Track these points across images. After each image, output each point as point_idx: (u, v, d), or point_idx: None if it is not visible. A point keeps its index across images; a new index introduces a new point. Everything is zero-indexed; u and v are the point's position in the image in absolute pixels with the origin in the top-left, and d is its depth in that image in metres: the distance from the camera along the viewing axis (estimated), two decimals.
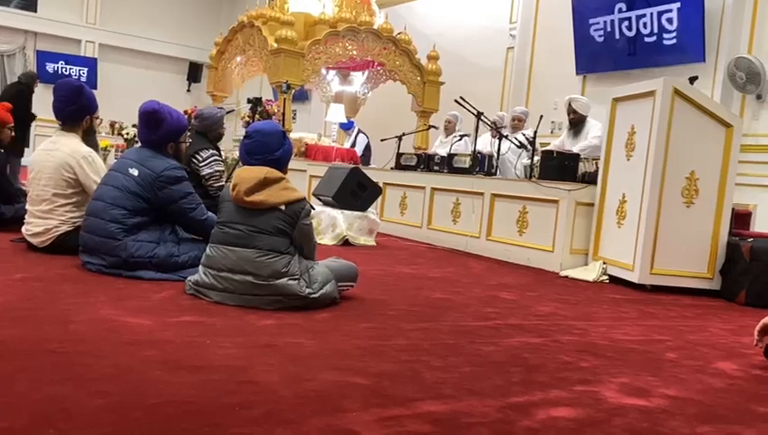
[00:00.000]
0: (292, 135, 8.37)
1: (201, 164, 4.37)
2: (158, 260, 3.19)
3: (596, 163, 5.10)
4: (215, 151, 4.47)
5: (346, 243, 5.52)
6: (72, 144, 3.70)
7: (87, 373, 1.79)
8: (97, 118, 4.13)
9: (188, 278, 2.96)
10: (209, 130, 4.55)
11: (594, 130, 5.93)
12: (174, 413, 1.57)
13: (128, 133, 12.04)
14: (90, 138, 3.89)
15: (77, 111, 3.76)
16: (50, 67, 14.22)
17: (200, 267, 2.91)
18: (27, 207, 3.76)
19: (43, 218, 3.62)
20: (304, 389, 1.82)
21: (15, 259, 3.46)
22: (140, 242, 3.19)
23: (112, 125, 13.14)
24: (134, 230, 3.20)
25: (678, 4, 7.06)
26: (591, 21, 8.05)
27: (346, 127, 9.53)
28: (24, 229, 3.73)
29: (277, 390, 1.79)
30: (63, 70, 14.29)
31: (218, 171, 4.41)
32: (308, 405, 1.70)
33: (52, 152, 3.68)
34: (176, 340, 2.21)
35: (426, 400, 1.81)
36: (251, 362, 2.02)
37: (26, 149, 7.63)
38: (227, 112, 8.91)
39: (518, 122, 7.13)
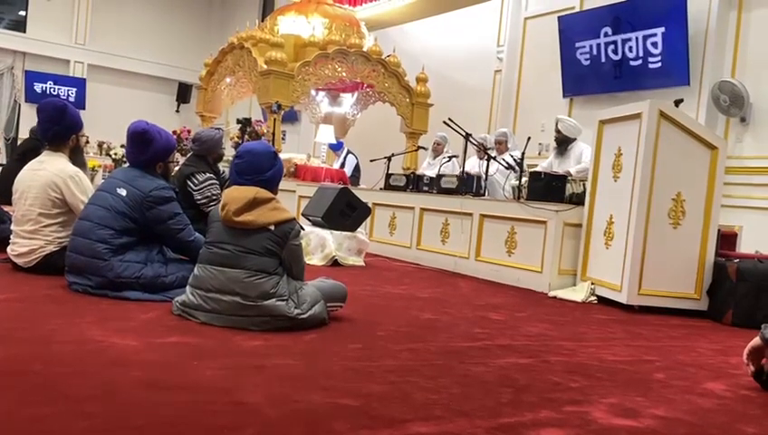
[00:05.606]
0: (282, 156, 8.38)
1: (195, 188, 4.39)
2: (145, 281, 3.16)
3: (583, 184, 5.14)
4: (211, 175, 4.47)
5: (335, 263, 5.51)
6: (58, 164, 3.67)
7: (72, 394, 1.77)
8: (83, 136, 4.11)
9: (176, 299, 2.93)
10: (209, 153, 4.56)
11: (587, 152, 5.99)
12: None
13: (116, 153, 12.02)
14: (77, 157, 3.86)
15: (62, 130, 3.73)
16: (38, 87, 14.20)
17: (188, 288, 2.88)
18: (12, 227, 3.72)
19: (29, 238, 3.59)
20: (292, 410, 1.80)
21: (0, 280, 3.42)
22: (127, 262, 3.16)
23: (100, 145, 13.11)
24: (121, 250, 3.18)
25: (663, 29, 7.18)
26: (578, 44, 8.16)
27: (335, 148, 9.56)
28: (9, 250, 3.68)
29: (265, 411, 1.77)
30: (52, 90, 14.26)
31: (212, 195, 4.40)
32: (296, 426, 1.68)
33: (38, 172, 3.65)
34: (162, 361, 2.18)
35: (415, 421, 1.80)
36: (238, 383, 2.00)
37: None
38: None
39: (499, 145, 7.20)
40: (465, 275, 5.63)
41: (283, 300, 2.78)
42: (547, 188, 5.20)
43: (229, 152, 6.32)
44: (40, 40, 14.21)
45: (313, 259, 5.47)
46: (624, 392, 2.30)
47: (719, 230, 4.54)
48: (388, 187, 7.15)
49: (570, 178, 5.33)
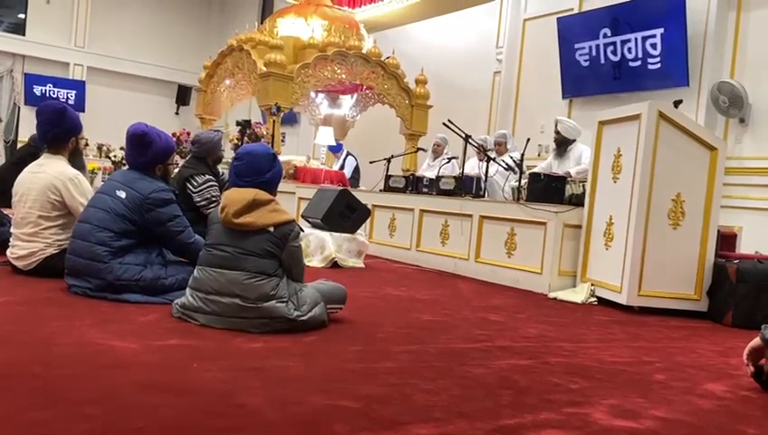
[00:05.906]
0: (282, 158, 8.38)
1: (195, 190, 4.39)
2: (145, 283, 3.16)
3: (583, 185, 5.14)
4: (210, 177, 4.48)
5: (335, 265, 5.51)
6: (58, 166, 3.67)
7: (71, 397, 1.76)
8: (83, 139, 4.11)
9: (175, 301, 2.93)
10: (208, 155, 4.57)
11: (587, 153, 6.00)
12: None
13: (115, 156, 12.01)
14: (76, 159, 3.86)
15: (61, 133, 3.72)
16: (38, 90, 14.20)
17: (188, 290, 2.88)
18: (12, 229, 3.71)
19: (29, 241, 3.58)
20: (292, 412, 1.80)
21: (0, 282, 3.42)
22: (127, 265, 3.16)
23: (100, 148, 13.11)
24: (120, 253, 3.17)
25: (662, 30, 7.19)
26: (577, 45, 8.17)
27: (335, 149, 9.56)
28: (8, 252, 3.68)
29: (265, 413, 1.77)
30: (51, 93, 14.26)
31: (212, 197, 4.41)
32: (296, 429, 1.68)
33: (37, 174, 3.65)
34: (162, 363, 2.18)
35: (415, 423, 1.80)
36: (238, 385, 2.00)
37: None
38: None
39: (498, 146, 7.21)
40: (464, 276, 5.63)
41: (283, 302, 2.77)
42: (547, 189, 5.20)
43: (228, 154, 6.32)
44: (39, 43, 14.21)
45: (313, 261, 5.47)
46: (624, 394, 2.30)
47: (719, 231, 4.54)
48: (388, 188, 7.15)
49: (569, 179, 5.33)
